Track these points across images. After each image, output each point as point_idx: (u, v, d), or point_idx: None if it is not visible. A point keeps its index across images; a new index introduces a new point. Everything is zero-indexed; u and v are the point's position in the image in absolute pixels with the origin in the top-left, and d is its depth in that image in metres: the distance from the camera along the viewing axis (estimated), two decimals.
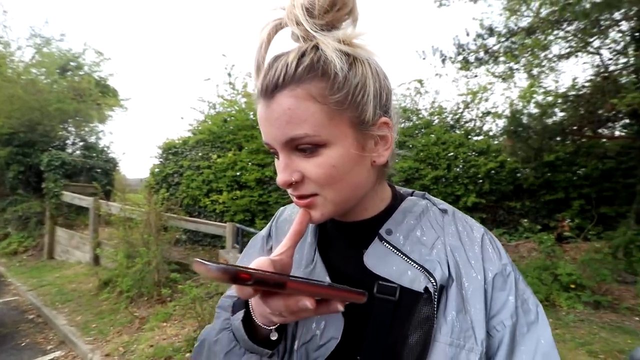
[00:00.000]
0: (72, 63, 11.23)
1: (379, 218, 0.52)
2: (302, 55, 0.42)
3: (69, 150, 9.28)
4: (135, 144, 33.30)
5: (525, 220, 5.71)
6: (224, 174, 6.63)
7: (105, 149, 9.98)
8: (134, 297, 4.28)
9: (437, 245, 0.49)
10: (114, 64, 17.74)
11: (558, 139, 5.60)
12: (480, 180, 6.37)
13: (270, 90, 0.42)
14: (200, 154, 7.07)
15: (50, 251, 7.15)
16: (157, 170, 7.47)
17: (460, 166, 6.41)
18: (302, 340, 0.48)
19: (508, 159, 6.15)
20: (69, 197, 7.20)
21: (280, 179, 0.44)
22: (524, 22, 5.75)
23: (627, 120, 5.62)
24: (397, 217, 0.52)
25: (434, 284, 0.45)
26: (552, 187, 6.01)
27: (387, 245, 0.49)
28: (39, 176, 7.92)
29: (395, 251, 0.48)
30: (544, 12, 5.37)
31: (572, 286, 4.01)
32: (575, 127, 5.49)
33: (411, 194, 0.58)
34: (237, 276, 0.30)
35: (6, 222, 7.93)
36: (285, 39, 0.45)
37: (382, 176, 0.53)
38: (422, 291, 0.45)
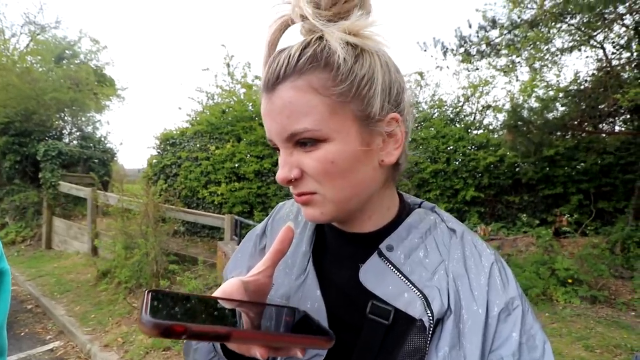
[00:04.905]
0: (67, 51, 11.05)
1: (382, 232, 0.49)
2: (306, 46, 0.40)
3: (66, 140, 9.18)
4: (132, 134, 32.98)
5: (524, 214, 5.73)
6: (222, 165, 6.60)
7: (103, 139, 9.88)
8: (133, 288, 4.28)
9: (440, 271, 0.45)
10: (111, 52, 17.44)
11: (558, 133, 5.59)
12: (479, 174, 6.37)
13: (272, 83, 0.41)
14: (198, 145, 7.02)
15: (48, 241, 7.13)
16: (154, 161, 7.41)
17: (460, 160, 6.40)
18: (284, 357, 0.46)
19: (507, 153, 6.14)
20: (66, 187, 7.15)
21: (279, 175, 0.43)
22: (527, 15, 5.67)
23: (629, 116, 5.61)
24: (401, 232, 0.48)
25: (430, 317, 0.41)
26: (551, 181, 6.02)
27: (385, 262, 0.46)
28: (35, 166, 7.85)
29: (393, 269, 0.45)
30: (547, 4, 5.29)
31: (570, 281, 4.04)
32: (575, 122, 5.47)
33: (420, 205, 0.54)
34: (169, 330, 0.28)
35: (3, 212, 7.89)
36: (297, 35, 0.44)
37: (391, 180, 0.50)
38: (417, 318, 0.42)
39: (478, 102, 7.54)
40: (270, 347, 0.33)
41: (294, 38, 0.44)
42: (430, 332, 0.41)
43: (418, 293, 0.43)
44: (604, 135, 5.95)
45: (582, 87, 5.61)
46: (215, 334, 0.30)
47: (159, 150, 7.59)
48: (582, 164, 5.90)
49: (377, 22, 0.42)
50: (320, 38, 0.40)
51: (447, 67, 7.94)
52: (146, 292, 0.34)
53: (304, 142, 0.41)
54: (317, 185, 0.43)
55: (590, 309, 3.78)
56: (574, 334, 3.20)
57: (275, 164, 6.69)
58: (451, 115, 7.40)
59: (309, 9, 0.40)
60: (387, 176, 0.48)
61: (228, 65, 8.29)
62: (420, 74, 7.78)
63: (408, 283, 0.44)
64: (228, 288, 0.39)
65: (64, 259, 6.21)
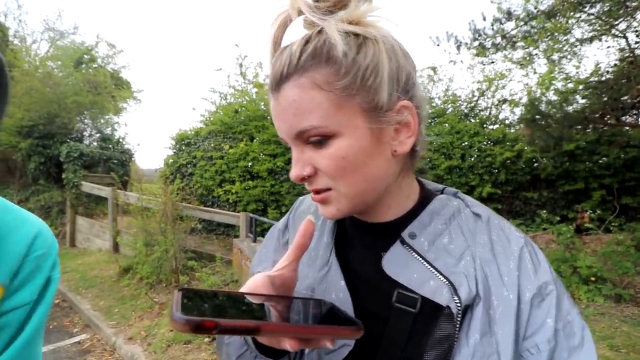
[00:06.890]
0: (85, 56, 11.40)
1: (403, 220, 0.48)
2: (306, 42, 0.39)
3: (86, 142, 9.49)
4: (149, 135, 33.78)
5: (543, 211, 5.59)
6: (236, 164, 6.69)
7: (121, 140, 10.17)
8: (153, 283, 4.41)
9: (466, 257, 0.44)
10: (126, 56, 17.86)
11: (579, 127, 5.42)
12: (496, 170, 6.25)
13: (276, 83, 0.41)
14: (212, 145, 7.13)
15: (72, 239, 7.41)
16: (171, 161, 7.58)
17: (475, 156, 6.29)
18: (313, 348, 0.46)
19: (525, 148, 6.00)
20: (88, 187, 7.40)
21: (292, 173, 0.43)
22: (544, 5, 5.51)
23: None
24: (423, 219, 0.47)
25: (458, 303, 0.40)
26: (572, 177, 5.85)
27: (409, 249, 0.45)
28: (59, 167, 8.15)
29: (417, 257, 0.44)
30: None
31: (592, 279, 3.93)
32: (597, 115, 5.29)
33: (442, 191, 0.53)
34: (200, 326, 0.29)
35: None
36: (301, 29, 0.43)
37: (408, 168, 0.48)
38: (445, 305, 0.41)
39: (494, 97, 7.40)
40: (299, 339, 0.33)
41: (300, 31, 0.42)
42: (459, 320, 0.40)
43: (444, 280, 0.42)
44: (627, 127, 5.74)
45: (603, 78, 5.42)
46: (244, 328, 0.31)
47: (174, 150, 7.76)
48: (605, 158, 5.71)
49: (379, 7, 0.40)
50: (321, 32, 0.39)
51: (461, 61, 7.81)
52: (177, 290, 0.35)
53: (313, 140, 0.41)
54: (330, 181, 0.42)
55: (615, 307, 3.67)
56: (597, 333, 3.12)
57: (288, 162, 6.73)
58: (465, 111, 7.29)
59: (305, 3, 0.39)
60: (403, 165, 0.47)
61: (240, 65, 8.39)
62: (434, 69, 7.68)
63: (433, 270, 0.43)
64: (254, 284, 0.40)
65: (87, 256, 6.43)
